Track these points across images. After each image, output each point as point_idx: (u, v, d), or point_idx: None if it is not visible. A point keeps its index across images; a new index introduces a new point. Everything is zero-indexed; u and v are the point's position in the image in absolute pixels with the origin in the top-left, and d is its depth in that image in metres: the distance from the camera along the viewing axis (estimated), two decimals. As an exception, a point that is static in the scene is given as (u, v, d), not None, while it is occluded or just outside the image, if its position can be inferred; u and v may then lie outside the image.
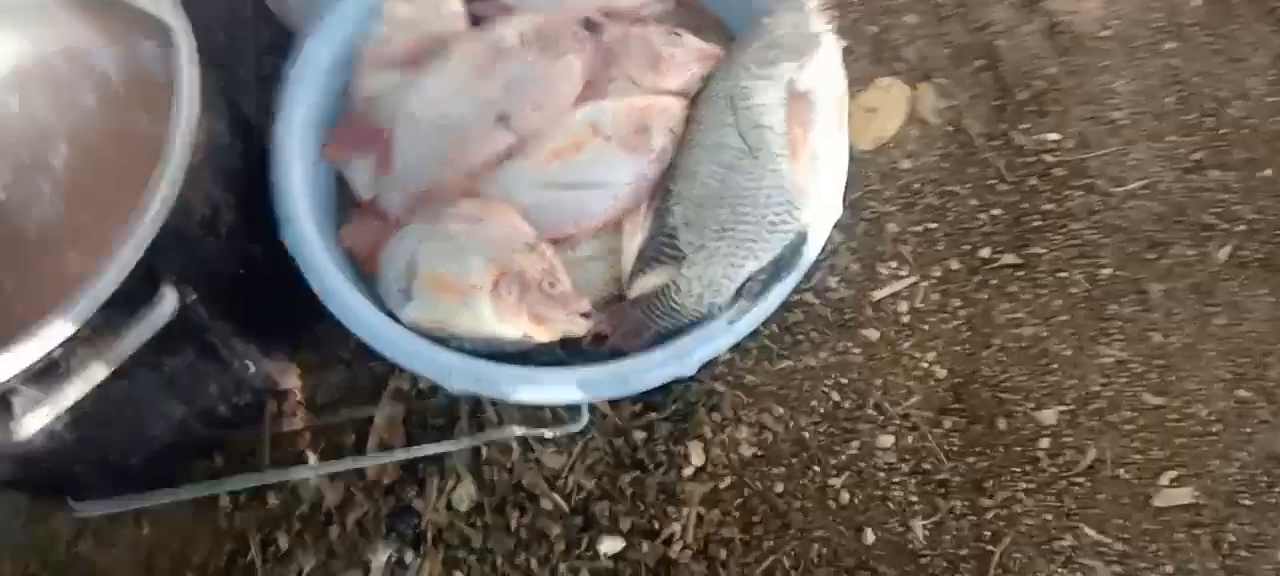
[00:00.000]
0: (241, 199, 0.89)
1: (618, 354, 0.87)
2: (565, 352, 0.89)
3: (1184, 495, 1.06)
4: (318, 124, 0.96)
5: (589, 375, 0.84)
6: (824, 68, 0.93)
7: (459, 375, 0.84)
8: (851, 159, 1.21)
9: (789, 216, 0.88)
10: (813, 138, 0.91)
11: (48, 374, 0.72)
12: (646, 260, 0.89)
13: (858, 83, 1.29)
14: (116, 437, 0.90)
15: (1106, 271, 1.17)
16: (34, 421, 0.73)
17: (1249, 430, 1.09)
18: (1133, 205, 1.22)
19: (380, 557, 0.99)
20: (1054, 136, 1.26)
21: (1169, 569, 1.03)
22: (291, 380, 1.05)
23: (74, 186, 0.83)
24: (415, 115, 0.93)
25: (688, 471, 1.05)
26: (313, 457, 1.03)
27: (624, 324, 0.89)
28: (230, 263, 0.90)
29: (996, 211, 1.21)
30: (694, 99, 0.95)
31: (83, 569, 1.03)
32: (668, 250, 0.89)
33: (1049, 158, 1.24)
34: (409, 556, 0.99)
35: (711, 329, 0.87)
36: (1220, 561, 1.03)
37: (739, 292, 0.88)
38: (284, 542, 1.01)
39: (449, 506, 1.02)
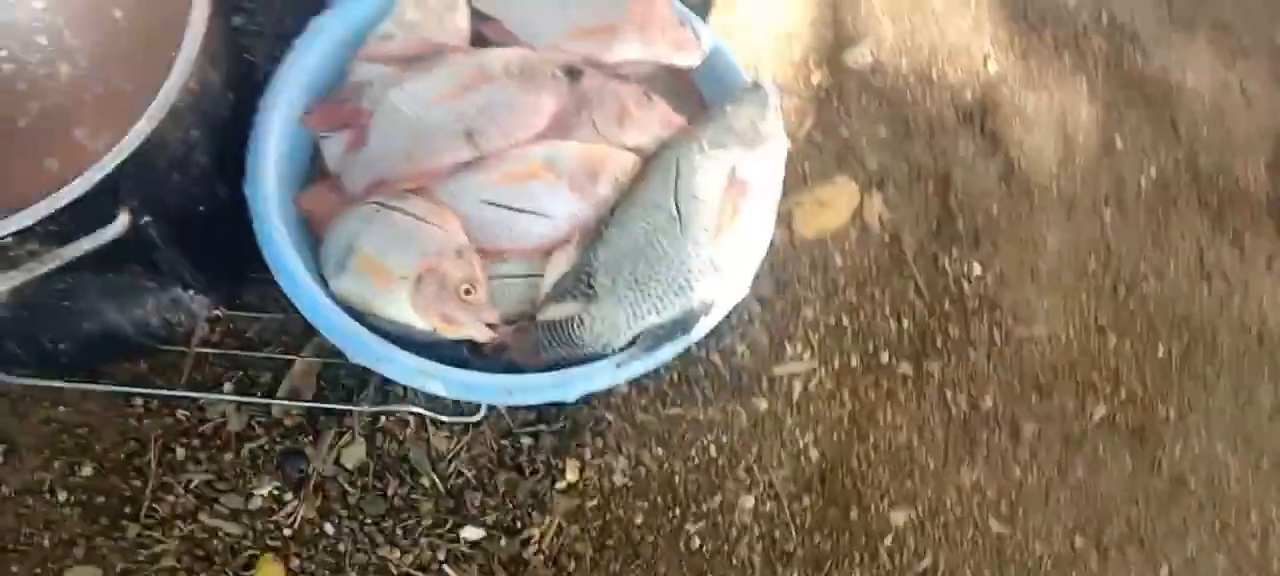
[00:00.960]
0: (220, 144, 0.96)
1: (513, 368, 0.96)
2: (470, 354, 0.98)
3: (1000, 620, 1.15)
4: (309, 91, 1.04)
5: (477, 380, 0.93)
6: (767, 163, 1.02)
7: (360, 348, 0.92)
8: (790, 244, 1.33)
9: (697, 286, 0.97)
10: (738, 222, 1.00)
11: (-2, 256, 0.80)
12: (561, 291, 0.98)
13: (816, 177, 1.38)
14: (50, 324, 0.98)
15: (988, 402, 1.26)
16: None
17: (1075, 576, 1.18)
18: (1030, 349, 1.31)
19: (263, 489, 1.08)
20: (978, 269, 1.35)
21: (966, 684, 1.12)
22: (226, 312, 1.14)
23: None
24: (395, 109, 1.01)
25: (560, 484, 1.14)
26: (228, 386, 1.11)
27: (525, 342, 0.97)
28: (194, 198, 0.97)
29: (906, 323, 1.31)
30: (647, 158, 1.03)
31: (-9, 430, 1.10)
32: (582, 286, 0.97)
33: (968, 287, 1.34)
34: (289, 496, 1.08)
35: (599, 367, 0.95)
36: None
37: (634, 341, 0.97)
38: (180, 454, 1.09)
39: (337, 461, 1.10)
